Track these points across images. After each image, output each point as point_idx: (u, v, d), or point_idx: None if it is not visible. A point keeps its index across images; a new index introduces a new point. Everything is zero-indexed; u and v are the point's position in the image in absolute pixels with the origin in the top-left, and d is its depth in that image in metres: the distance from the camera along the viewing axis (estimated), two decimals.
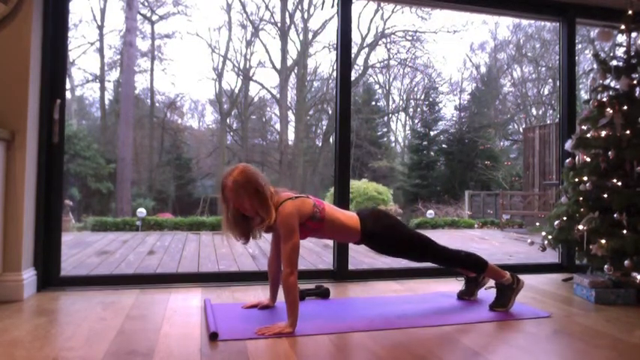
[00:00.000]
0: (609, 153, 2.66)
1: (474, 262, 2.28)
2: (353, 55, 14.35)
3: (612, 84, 2.85)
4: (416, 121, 17.64)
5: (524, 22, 15.72)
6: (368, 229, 2.12)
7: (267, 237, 2.23)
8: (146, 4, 14.85)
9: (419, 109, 17.66)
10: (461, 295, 2.43)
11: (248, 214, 1.95)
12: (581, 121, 2.94)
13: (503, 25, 17.02)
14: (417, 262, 2.32)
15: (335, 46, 3.23)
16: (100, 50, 14.91)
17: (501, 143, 16.77)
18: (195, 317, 2.06)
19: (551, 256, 3.47)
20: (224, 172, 1.97)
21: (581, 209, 2.75)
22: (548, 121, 14.41)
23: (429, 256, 2.23)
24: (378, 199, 8.87)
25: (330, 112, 16.32)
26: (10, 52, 2.34)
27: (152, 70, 15.50)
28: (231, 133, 17.01)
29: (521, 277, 3.03)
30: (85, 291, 2.52)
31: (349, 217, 2.15)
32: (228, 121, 16.52)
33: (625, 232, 2.51)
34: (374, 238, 2.15)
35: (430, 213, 10.39)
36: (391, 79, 17.96)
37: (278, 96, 16.29)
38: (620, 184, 2.63)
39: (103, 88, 15.59)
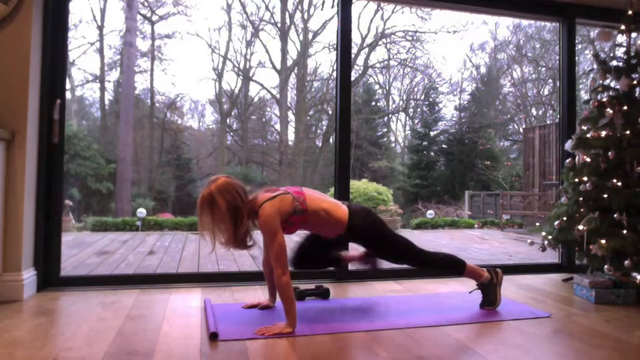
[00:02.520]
0: (609, 153, 2.66)
1: (453, 264, 2.26)
2: (353, 56, 14.35)
3: (612, 84, 2.85)
4: (416, 121, 17.65)
5: (524, 22, 15.73)
6: (355, 223, 2.08)
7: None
8: (146, 4, 14.86)
9: (419, 110, 17.68)
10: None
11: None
12: (581, 122, 2.94)
13: (503, 25, 17.07)
14: (396, 264, 2.30)
15: (335, 46, 3.23)
16: (100, 50, 14.93)
17: (501, 143, 16.77)
18: (195, 317, 2.06)
19: (551, 256, 3.47)
20: (207, 182, 1.99)
21: (581, 209, 2.75)
22: (548, 122, 14.42)
23: (410, 258, 2.21)
24: (378, 200, 8.87)
25: (330, 112, 16.33)
26: (10, 52, 2.34)
27: (152, 70, 15.54)
28: (232, 134, 17.03)
29: (521, 277, 3.07)
30: (85, 291, 2.52)
31: (336, 206, 2.09)
32: (228, 121, 16.54)
33: (625, 232, 2.51)
34: (358, 233, 2.12)
35: (430, 213, 10.39)
36: (391, 80, 18.00)
37: (278, 96, 16.31)
38: (620, 184, 2.63)
39: (103, 88, 15.61)
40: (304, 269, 2.52)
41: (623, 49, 2.89)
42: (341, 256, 2.47)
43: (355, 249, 2.39)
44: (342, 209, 2.09)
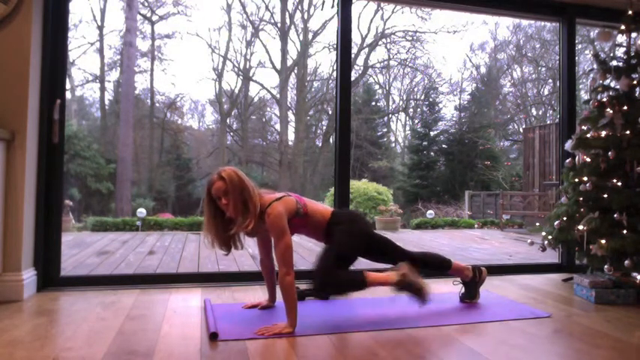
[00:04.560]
0: (609, 153, 2.66)
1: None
2: (353, 56, 14.36)
3: (612, 84, 2.85)
4: (416, 121, 17.65)
5: (524, 22, 15.73)
6: (334, 219, 2.10)
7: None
8: (146, 4, 14.86)
9: (419, 110, 17.68)
10: (463, 299, 2.40)
11: (230, 214, 1.93)
12: (581, 122, 2.94)
13: (503, 25, 17.08)
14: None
15: (335, 46, 3.24)
16: (100, 50, 14.93)
17: (501, 143, 16.76)
18: (195, 317, 2.06)
19: (551, 256, 3.47)
20: (213, 173, 1.97)
21: (581, 209, 2.75)
22: (548, 121, 14.41)
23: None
24: (378, 200, 8.86)
25: (330, 112, 16.33)
26: (10, 52, 2.34)
27: (152, 70, 15.54)
28: (232, 134, 17.02)
29: (521, 277, 3.07)
30: (85, 291, 2.52)
31: (325, 209, 2.15)
32: (228, 121, 16.53)
33: (625, 232, 2.51)
34: (336, 228, 2.08)
35: (430, 213, 10.39)
36: (391, 80, 18.00)
37: (278, 96, 16.30)
38: (620, 184, 2.63)
39: (103, 88, 15.61)
40: None
41: (623, 49, 2.89)
42: None
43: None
44: (328, 210, 2.14)
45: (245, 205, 1.91)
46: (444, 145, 16.38)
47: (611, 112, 2.71)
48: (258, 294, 2.48)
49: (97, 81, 15.44)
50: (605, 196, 2.63)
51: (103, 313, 2.09)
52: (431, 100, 16.89)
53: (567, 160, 2.99)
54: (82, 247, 4.93)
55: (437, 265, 2.35)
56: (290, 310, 1.87)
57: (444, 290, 2.64)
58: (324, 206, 2.18)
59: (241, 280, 2.82)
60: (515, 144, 16.36)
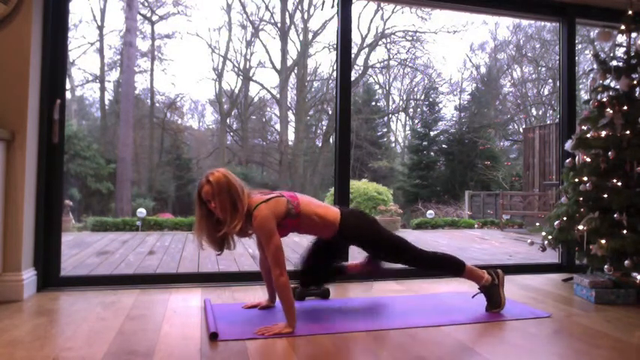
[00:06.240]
0: (609, 153, 2.66)
1: (451, 265, 2.23)
2: (353, 56, 14.35)
3: (612, 84, 2.85)
4: (416, 121, 17.64)
5: (525, 22, 15.72)
6: (346, 225, 2.08)
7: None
8: (146, 4, 14.85)
9: (419, 110, 17.67)
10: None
11: (219, 216, 1.93)
12: (581, 122, 2.94)
13: (503, 25, 17.06)
14: (394, 264, 2.27)
15: (335, 46, 3.23)
16: (100, 50, 14.92)
17: (501, 143, 16.76)
18: (195, 317, 2.06)
19: (551, 256, 3.47)
20: (203, 175, 1.97)
21: (581, 209, 2.75)
22: (548, 121, 14.40)
23: (406, 258, 2.19)
24: (378, 200, 8.85)
25: (330, 112, 16.32)
26: (10, 52, 2.34)
27: (152, 70, 15.51)
28: (232, 134, 17.02)
29: (521, 277, 3.07)
30: (85, 291, 2.52)
31: (328, 210, 2.10)
32: (228, 121, 16.53)
33: (625, 232, 2.51)
34: (350, 233, 2.11)
35: (430, 213, 10.39)
36: (391, 80, 17.99)
37: (278, 96, 16.30)
38: (620, 184, 2.63)
39: (103, 88, 15.60)
40: (309, 284, 2.39)
41: (623, 49, 2.89)
42: (344, 267, 2.45)
43: (356, 258, 2.38)
44: (333, 212, 2.10)
45: (234, 207, 1.90)
46: (444, 145, 16.37)
47: (611, 112, 2.71)
48: (258, 294, 2.48)
49: (97, 81, 15.43)
50: (605, 196, 2.63)
51: (103, 313, 2.09)
52: (431, 100, 16.88)
53: (567, 160, 2.99)
54: (82, 247, 4.92)
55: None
56: (288, 310, 1.87)
57: (444, 290, 2.64)
58: (327, 206, 2.13)
59: (241, 280, 2.82)
60: (515, 144, 16.35)
